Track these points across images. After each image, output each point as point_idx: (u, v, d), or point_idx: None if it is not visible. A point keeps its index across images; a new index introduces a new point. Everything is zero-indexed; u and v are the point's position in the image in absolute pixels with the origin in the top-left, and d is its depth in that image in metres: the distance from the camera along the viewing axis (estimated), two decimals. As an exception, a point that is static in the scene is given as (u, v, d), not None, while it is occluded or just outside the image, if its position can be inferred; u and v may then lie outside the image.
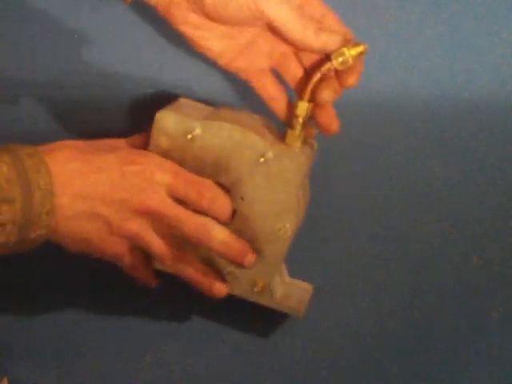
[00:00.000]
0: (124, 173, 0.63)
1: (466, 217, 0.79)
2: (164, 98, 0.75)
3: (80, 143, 0.65)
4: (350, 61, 0.64)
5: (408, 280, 0.79)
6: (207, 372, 0.80)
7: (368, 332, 0.79)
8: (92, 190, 0.62)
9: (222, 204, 0.66)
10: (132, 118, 0.78)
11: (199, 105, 0.71)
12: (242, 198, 0.67)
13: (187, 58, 0.77)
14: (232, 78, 0.78)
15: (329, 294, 0.79)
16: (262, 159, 0.65)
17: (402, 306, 0.79)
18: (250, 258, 0.67)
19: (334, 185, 0.78)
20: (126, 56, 0.78)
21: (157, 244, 0.65)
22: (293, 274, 0.73)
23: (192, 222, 0.65)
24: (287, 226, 0.67)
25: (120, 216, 0.63)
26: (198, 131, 0.66)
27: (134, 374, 0.80)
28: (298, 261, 0.73)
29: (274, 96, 0.69)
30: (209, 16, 0.65)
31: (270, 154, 0.65)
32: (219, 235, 0.65)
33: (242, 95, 0.78)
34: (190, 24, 0.66)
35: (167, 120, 0.66)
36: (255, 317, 0.76)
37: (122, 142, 0.69)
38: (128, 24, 0.76)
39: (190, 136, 0.66)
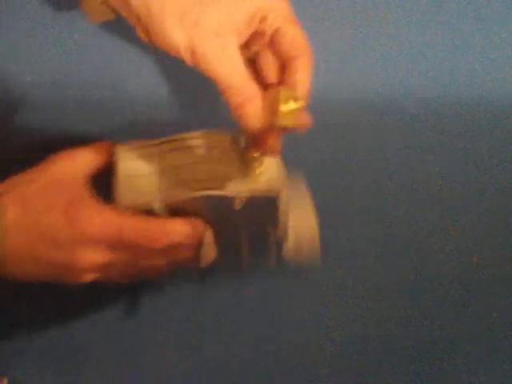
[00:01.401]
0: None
1: (466, 217, 0.78)
2: (163, 98, 0.75)
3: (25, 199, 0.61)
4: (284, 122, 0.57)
5: (408, 280, 0.79)
6: (207, 372, 0.80)
7: (368, 332, 0.79)
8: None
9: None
10: (131, 117, 0.78)
11: (140, 155, 0.65)
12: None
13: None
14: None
15: (329, 294, 0.79)
16: (237, 203, 0.62)
17: (401, 305, 0.79)
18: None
19: (333, 185, 0.78)
20: (126, 56, 0.78)
21: (136, 275, 0.64)
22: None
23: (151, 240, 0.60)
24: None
25: (70, 275, 0.61)
26: (157, 205, 0.62)
27: (133, 374, 0.80)
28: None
29: None
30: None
31: (242, 199, 0.62)
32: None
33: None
34: None
35: (125, 201, 0.62)
36: (255, 316, 0.77)
37: (79, 173, 0.64)
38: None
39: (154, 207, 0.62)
